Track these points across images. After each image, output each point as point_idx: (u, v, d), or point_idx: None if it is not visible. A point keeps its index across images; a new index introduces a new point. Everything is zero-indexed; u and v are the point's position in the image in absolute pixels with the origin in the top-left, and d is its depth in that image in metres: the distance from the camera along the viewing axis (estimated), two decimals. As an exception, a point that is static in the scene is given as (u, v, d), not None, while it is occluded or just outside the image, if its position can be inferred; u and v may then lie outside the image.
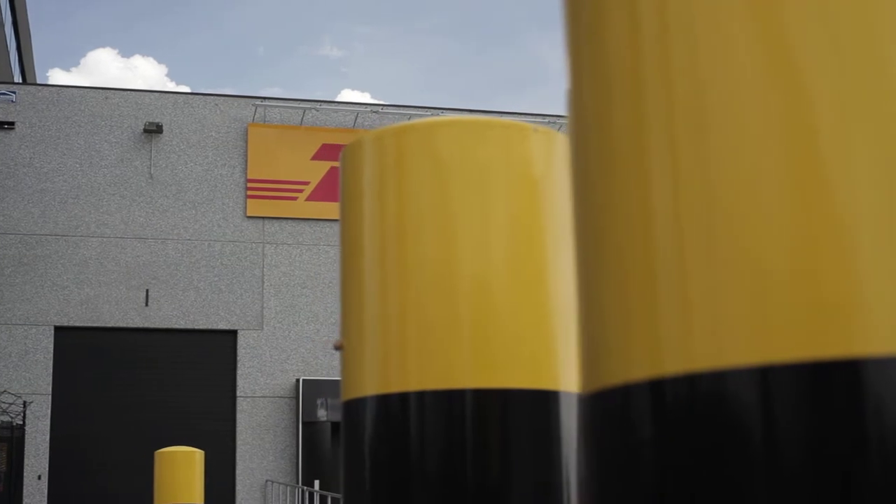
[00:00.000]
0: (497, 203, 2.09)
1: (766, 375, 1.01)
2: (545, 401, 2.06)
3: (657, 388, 1.07)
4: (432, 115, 28.73)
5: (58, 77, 64.84)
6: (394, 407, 2.08)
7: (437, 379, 2.04)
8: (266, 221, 27.61)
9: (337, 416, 26.37)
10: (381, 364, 2.10)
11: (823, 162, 1.00)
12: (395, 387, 2.07)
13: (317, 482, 25.46)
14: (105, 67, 64.71)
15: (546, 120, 29.31)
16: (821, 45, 1.00)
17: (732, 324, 1.03)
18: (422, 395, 2.05)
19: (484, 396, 2.03)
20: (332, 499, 21.38)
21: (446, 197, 2.10)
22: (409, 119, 28.63)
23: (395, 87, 75.53)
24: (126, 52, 73.37)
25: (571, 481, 2.07)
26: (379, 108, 28.57)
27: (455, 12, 73.79)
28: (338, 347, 2.17)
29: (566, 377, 2.09)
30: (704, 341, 1.04)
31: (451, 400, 2.04)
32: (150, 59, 68.17)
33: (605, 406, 1.14)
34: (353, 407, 2.15)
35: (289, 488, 24.85)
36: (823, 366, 0.97)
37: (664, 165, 1.07)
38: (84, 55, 76.06)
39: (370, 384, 2.11)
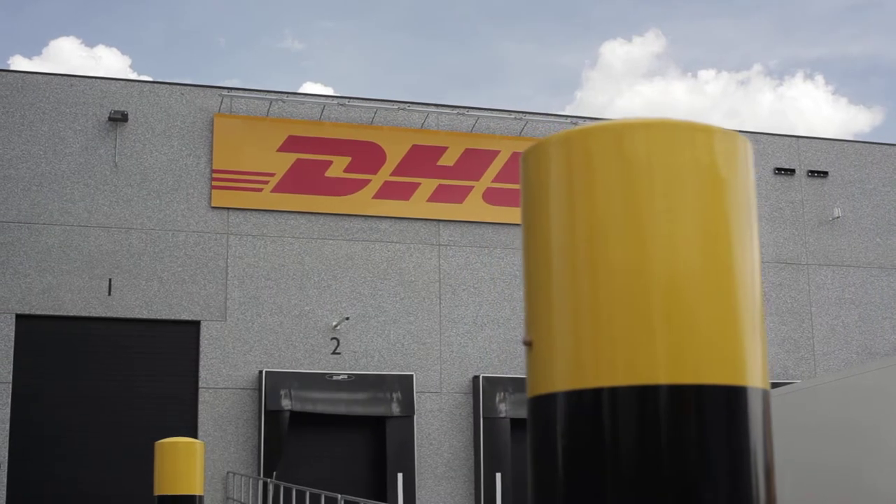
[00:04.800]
0: (686, 203, 2.16)
1: None
2: (736, 396, 2.13)
3: None
4: (398, 109, 28.75)
5: (20, 65, 63.82)
6: (587, 402, 2.13)
7: (631, 374, 2.11)
8: (231, 212, 27.50)
9: (299, 407, 26.35)
10: (572, 360, 2.15)
11: None
12: (589, 382, 2.13)
13: (278, 474, 25.43)
14: (68, 56, 63.80)
15: (513, 116, 29.42)
16: None
17: None
18: (615, 391, 2.11)
19: (679, 392, 2.10)
20: (298, 491, 21.37)
21: (636, 197, 2.16)
22: (375, 112, 28.62)
23: (355, 81, 75.08)
24: (90, 42, 72.45)
25: (760, 474, 2.14)
26: (345, 101, 28.53)
27: (415, 7, 73.60)
28: (527, 343, 2.23)
29: (753, 373, 2.16)
30: None
31: (645, 395, 2.10)
32: (114, 50, 67.31)
33: None
34: (543, 402, 2.20)
35: (251, 480, 24.80)
36: None
37: None
38: (46, 44, 74.92)
39: (561, 380, 2.17)
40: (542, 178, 2.27)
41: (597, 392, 2.13)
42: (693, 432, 2.09)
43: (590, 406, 2.13)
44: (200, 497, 9.03)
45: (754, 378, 2.16)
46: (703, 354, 2.11)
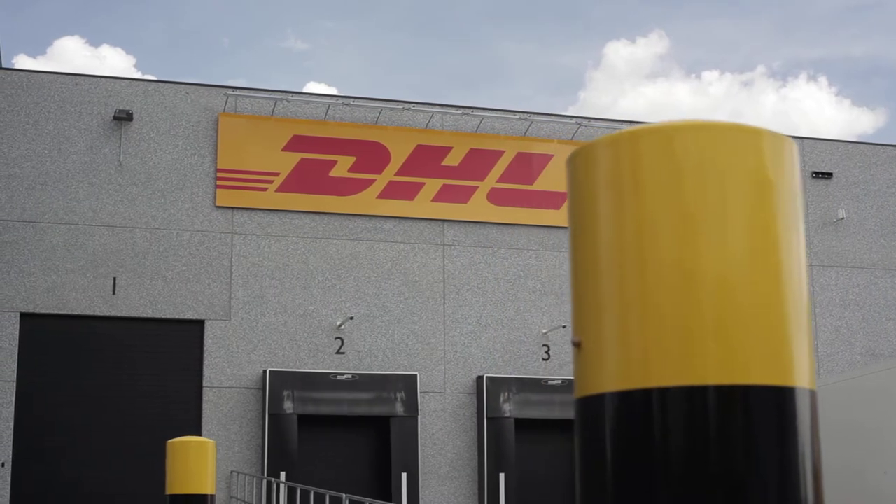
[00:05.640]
0: (735, 204, 2.17)
1: None
2: (784, 396, 2.14)
3: None
4: (403, 109, 28.75)
5: (25, 64, 63.89)
6: (636, 403, 2.14)
7: (680, 375, 2.11)
8: (235, 212, 27.53)
9: (303, 409, 26.35)
10: (621, 361, 2.16)
11: None
12: (637, 383, 2.14)
13: (283, 473, 25.44)
14: (72, 56, 63.85)
15: (517, 116, 29.43)
16: None
17: None
18: (664, 391, 2.12)
19: (727, 392, 2.11)
20: (302, 491, 21.38)
21: (686, 198, 2.17)
22: (380, 112, 28.62)
23: (357, 81, 75.25)
24: (94, 42, 72.50)
25: (808, 475, 2.15)
26: (350, 101, 28.55)
27: (415, 7, 73.69)
28: (575, 344, 2.24)
29: (800, 373, 2.18)
30: None
31: (693, 396, 2.11)
32: (119, 50, 67.37)
33: None
34: (592, 403, 2.21)
35: (254, 479, 24.80)
36: None
37: None
38: (51, 43, 75.03)
39: (610, 380, 2.17)
40: (591, 179, 2.28)
41: (646, 392, 2.13)
42: (742, 433, 2.10)
43: (639, 407, 2.14)
44: (212, 496, 9.04)
45: (802, 379, 2.18)
46: (752, 355, 2.12)
